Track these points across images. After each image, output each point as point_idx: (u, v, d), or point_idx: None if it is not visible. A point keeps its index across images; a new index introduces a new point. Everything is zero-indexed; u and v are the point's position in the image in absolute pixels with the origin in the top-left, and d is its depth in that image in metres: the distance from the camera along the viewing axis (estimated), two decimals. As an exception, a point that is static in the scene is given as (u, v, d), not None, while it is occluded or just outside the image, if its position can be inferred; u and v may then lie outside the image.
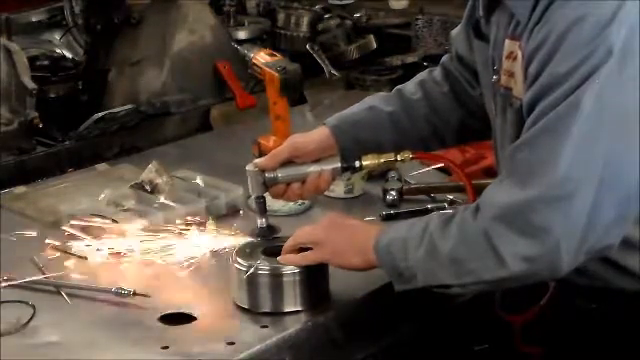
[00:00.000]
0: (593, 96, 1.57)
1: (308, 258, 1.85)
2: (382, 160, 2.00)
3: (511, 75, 1.75)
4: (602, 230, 1.60)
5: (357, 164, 1.99)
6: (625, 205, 1.61)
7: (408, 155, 1.99)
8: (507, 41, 1.76)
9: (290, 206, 2.27)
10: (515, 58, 1.73)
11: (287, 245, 1.88)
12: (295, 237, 1.88)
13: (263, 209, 2.01)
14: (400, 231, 1.77)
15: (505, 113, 1.80)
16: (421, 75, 2.15)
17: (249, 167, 2.02)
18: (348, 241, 1.83)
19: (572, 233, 1.58)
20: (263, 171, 2.00)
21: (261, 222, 2.01)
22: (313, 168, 2.00)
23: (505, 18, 1.78)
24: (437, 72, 2.13)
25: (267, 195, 2.34)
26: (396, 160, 1.99)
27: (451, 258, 1.68)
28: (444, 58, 2.15)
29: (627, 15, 1.57)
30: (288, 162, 2.01)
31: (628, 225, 1.63)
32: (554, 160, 1.58)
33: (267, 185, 2.00)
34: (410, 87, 2.13)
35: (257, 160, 2.03)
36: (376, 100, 2.12)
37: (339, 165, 2.00)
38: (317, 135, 2.05)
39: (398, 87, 2.15)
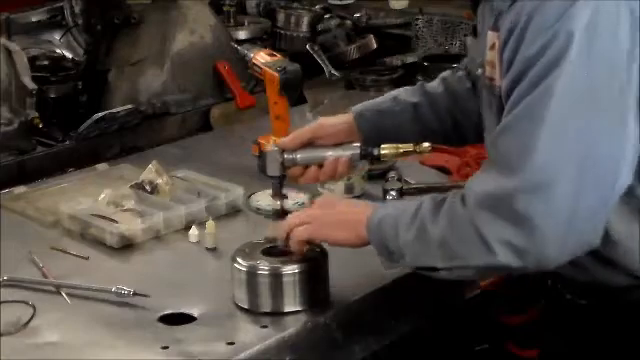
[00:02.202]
0: (564, 80, 1.57)
1: (299, 237, 1.83)
2: (401, 150, 2.00)
3: (493, 66, 1.76)
4: (586, 218, 1.59)
5: (376, 152, 2.00)
6: (606, 190, 1.60)
7: (427, 147, 1.99)
8: (489, 32, 1.77)
9: (289, 206, 2.27)
10: (495, 48, 1.74)
11: (282, 230, 1.87)
12: (288, 219, 1.87)
13: (280, 190, 2.02)
14: (393, 210, 1.78)
15: (492, 104, 1.81)
16: (444, 73, 2.17)
17: (269, 146, 2.04)
18: (340, 216, 1.83)
19: (556, 221, 1.57)
20: (283, 151, 2.01)
21: (277, 203, 2.01)
22: (332, 152, 2.01)
23: (487, 10, 1.79)
24: (460, 71, 2.15)
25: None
26: (415, 151, 2.00)
27: (440, 242, 1.68)
28: (465, 59, 2.18)
29: None
30: (309, 146, 2.02)
31: (609, 211, 1.62)
32: (532, 147, 1.58)
33: (285, 166, 2.01)
34: (433, 82, 2.16)
35: (279, 140, 2.04)
36: (401, 91, 2.15)
37: (358, 151, 2.01)
38: (341, 119, 2.07)
39: (421, 82, 2.16)
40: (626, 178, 1.62)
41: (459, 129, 2.10)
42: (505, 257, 1.60)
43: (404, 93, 2.14)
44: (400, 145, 2.00)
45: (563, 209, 1.57)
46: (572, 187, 1.57)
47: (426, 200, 1.74)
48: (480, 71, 1.84)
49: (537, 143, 1.58)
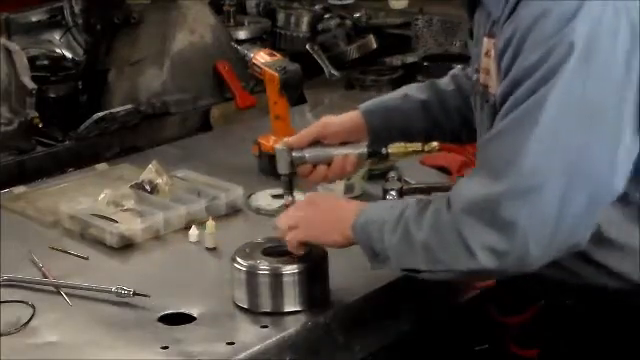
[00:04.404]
0: (559, 90, 1.57)
1: (292, 242, 1.85)
2: (409, 149, 2.01)
3: (488, 72, 1.76)
4: (572, 224, 1.59)
5: (384, 151, 2.01)
6: (594, 199, 1.60)
7: (435, 146, 1.99)
8: (485, 39, 1.77)
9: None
10: (491, 55, 1.74)
11: (278, 234, 1.89)
12: (278, 229, 1.89)
13: (290, 187, 2.04)
14: (378, 212, 1.78)
15: (483, 109, 1.81)
16: (454, 70, 2.18)
17: (278, 145, 2.06)
18: (328, 217, 1.84)
19: (541, 226, 1.58)
20: (291, 149, 2.02)
21: (287, 200, 2.02)
22: (340, 151, 2.03)
23: (484, 16, 1.79)
24: (469, 68, 2.15)
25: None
26: (423, 151, 2.00)
27: (423, 246, 1.68)
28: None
29: (590, 10, 1.58)
30: (318, 143, 2.04)
31: (595, 221, 1.63)
32: (521, 153, 1.58)
33: (294, 164, 2.03)
34: (444, 79, 2.16)
35: (287, 138, 2.06)
36: (410, 89, 2.16)
37: (365, 150, 2.02)
38: (348, 117, 2.08)
39: (432, 79, 2.16)
40: (617, 187, 1.62)
41: (468, 127, 2.09)
42: (486, 261, 1.61)
43: (414, 90, 2.14)
44: (408, 144, 2.01)
45: (548, 215, 1.57)
46: (559, 194, 1.57)
47: (411, 203, 1.74)
48: (475, 76, 1.83)
49: (526, 149, 1.58)
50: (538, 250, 1.59)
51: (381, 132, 2.05)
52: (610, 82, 1.58)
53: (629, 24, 1.59)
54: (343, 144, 2.04)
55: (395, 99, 2.13)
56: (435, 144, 1.99)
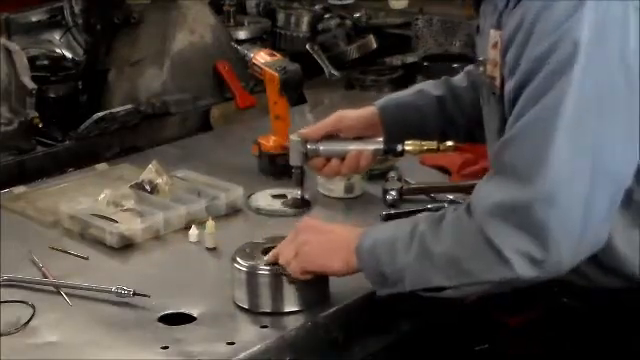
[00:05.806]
0: (573, 87, 1.55)
1: (295, 273, 1.81)
2: (424, 148, 2.01)
3: (495, 64, 1.74)
4: (598, 222, 1.58)
5: (399, 148, 2.00)
6: (616, 193, 1.60)
7: (451, 146, 1.99)
8: (492, 31, 1.75)
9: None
10: (498, 47, 1.73)
11: (280, 261, 1.83)
12: (280, 250, 1.84)
13: (301, 180, 2.04)
14: (385, 232, 1.73)
15: (490, 102, 1.80)
16: (469, 67, 2.16)
17: (293, 136, 2.06)
18: (328, 245, 1.79)
19: (571, 229, 1.55)
20: (306, 141, 2.02)
21: (297, 193, 2.02)
22: (355, 146, 2.02)
23: (490, 8, 1.78)
24: None
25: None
26: (438, 149, 2.00)
27: (447, 259, 1.63)
28: None
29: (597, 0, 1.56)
30: (332, 137, 2.04)
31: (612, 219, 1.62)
32: (545, 156, 1.56)
33: (308, 156, 2.02)
34: (459, 76, 2.15)
35: (302, 130, 2.05)
36: (425, 85, 2.16)
37: (381, 146, 2.01)
38: (364, 112, 2.09)
39: (446, 77, 2.16)
40: (630, 180, 1.61)
41: (482, 125, 2.08)
42: (521, 269, 1.57)
43: (428, 86, 2.14)
44: (424, 142, 2.01)
45: (577, 218, 1.55)
46: (585, 195, 1.55)
47: (422, 218, 1.70)
48: (481, 69, 1.83)
49: (550, 152, 1.55)
50: (569, 255, 1.57)
51: (396, 128, 2.05)
52: (622, 71, 1.57)
53: (638, 9, 1.58)
54: (357, 139, 2.03)
55: (410, 95, 2.13)
56: (450, 143, 1.99)
